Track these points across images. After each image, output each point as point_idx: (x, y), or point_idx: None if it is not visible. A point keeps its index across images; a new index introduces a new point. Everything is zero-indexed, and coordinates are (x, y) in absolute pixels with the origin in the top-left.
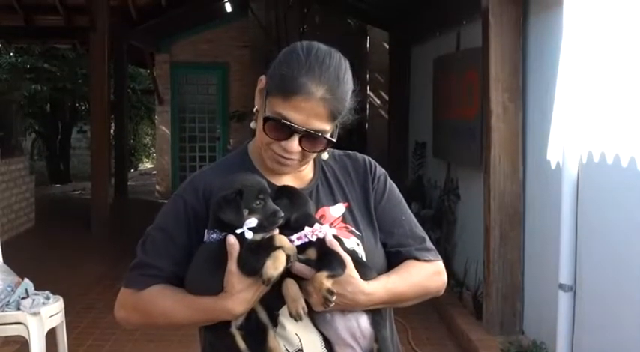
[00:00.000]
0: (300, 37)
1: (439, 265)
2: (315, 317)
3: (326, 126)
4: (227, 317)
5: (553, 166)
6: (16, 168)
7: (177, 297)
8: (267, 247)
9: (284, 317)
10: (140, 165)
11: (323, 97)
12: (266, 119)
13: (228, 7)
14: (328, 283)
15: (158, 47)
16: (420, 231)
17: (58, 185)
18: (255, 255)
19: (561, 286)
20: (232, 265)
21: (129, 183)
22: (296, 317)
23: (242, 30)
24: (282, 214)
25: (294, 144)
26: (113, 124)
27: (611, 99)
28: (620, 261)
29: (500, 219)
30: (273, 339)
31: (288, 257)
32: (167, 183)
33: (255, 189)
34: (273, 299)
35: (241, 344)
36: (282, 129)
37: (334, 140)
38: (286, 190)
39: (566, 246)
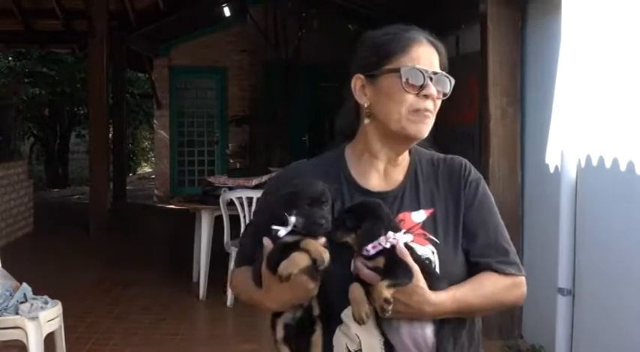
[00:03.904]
0: (298, 42)
1: (518, 278)
2: (382, 321)
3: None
4: (269, 310)
5: (552, 170)
6: (15, 173)
7: (248, 283)
8: (292, 248)
9: (346, 318)
10: (139, 169)
11: (431, 41)
12: (400, 74)
13: (227, 12)
14: (387, 292)
15: (157, 52)
16: (505, 242)
17: (57, 189)
18: (279, 254)
19: (560, 290)
20: (263, 264)
21: (127, 188)
22: (359, 321)
23: (241, 34)
24: (325, 224)
25: (432, 88)
26: (112, 129)
27: (610, 103)
28: (619, 265)
29: None
30: (318, 337)
31: (314, 261)
32: (166, 187)
33: (305, 195)
34: (340, 300)
35: (279, 334)
36: (417, 78)
37: (453, 81)
38: (361, 207)
39: (565, 250)
